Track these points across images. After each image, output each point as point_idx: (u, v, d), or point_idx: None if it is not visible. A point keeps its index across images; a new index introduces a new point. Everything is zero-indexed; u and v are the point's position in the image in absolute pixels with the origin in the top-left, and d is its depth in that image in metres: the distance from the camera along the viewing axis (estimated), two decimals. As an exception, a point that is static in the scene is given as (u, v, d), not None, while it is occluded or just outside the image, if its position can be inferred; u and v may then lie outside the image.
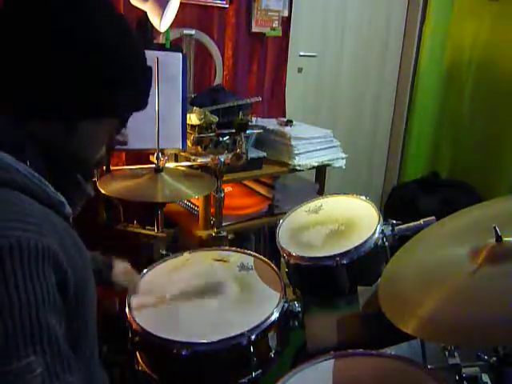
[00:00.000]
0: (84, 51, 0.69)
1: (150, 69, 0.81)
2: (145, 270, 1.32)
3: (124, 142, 0.85)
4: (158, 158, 1.53)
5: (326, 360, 1.00)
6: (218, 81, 2.33)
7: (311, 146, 2.12)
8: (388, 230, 1.37)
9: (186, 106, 1.76)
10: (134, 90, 0.78)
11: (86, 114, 0.73)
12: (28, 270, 0.59)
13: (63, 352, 0.62)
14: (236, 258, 1.40)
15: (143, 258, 1.61)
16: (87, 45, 0.69)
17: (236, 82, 2.39)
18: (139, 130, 1.67)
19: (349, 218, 1.45)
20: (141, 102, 0.82)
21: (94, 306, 0.78)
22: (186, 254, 1.42)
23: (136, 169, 1.67)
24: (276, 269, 1.33)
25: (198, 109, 1.84)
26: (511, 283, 0.81)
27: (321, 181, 2.27)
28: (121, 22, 0.76)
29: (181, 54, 1.72)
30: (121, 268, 1.23)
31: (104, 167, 1.77)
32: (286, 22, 2.50)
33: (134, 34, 0.78)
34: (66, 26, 0.68)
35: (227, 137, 1.83)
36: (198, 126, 1.84)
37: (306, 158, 2.09)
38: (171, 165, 1.68)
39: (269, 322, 1.12)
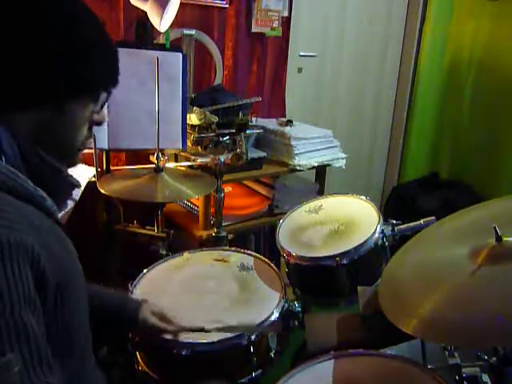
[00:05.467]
0: (54, 30, 0.69)
1: (115, 46, 0.81)
2: (145, 270, 1.32)
3: (101, 120, 0.83)
4: (158, 158, 1.53)
5: (325, 360, 1.00)
6: (218, 81, 2.33)
7: (311, 145, 2.12)
8: (388, 230, 1.37)
9: (186, 106, 1.76)
10: (105, 63, 0.78)
11: (69, 93, 0.72)
12: (1, 266, 0.57)
13: (42, 351, 0.60)
14: (236, 258, 1.40)
15: (143, 258, 1.61)
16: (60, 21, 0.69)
17: (236, 82, 2.39)
18: (139, 129, 1.67)
19: (349, 218, 1.45)
20: (113, 76, 0.81)
21: (84, 306, 0.76)
22: (186, 254, 1.42)
23: (136, 169, 1.67)
24: (276, 269, 1.33)
25: (197, 109, 1.84)
26: (511, 283, 0.81)
27: (321, 181, 2.27)
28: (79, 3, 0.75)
29: (181, 54, 1.71)
30: (151, 308, 1.09)
31: (104, 167, 1.77)
32: (286, 22, 2.50)
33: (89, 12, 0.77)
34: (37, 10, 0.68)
35: (227, 137, 1.83)
36: (198, 126, 1.84)
37: (306, 158, 2.09)
38: (171, 165, 1.69)
39: (269, 322, 1.12)
